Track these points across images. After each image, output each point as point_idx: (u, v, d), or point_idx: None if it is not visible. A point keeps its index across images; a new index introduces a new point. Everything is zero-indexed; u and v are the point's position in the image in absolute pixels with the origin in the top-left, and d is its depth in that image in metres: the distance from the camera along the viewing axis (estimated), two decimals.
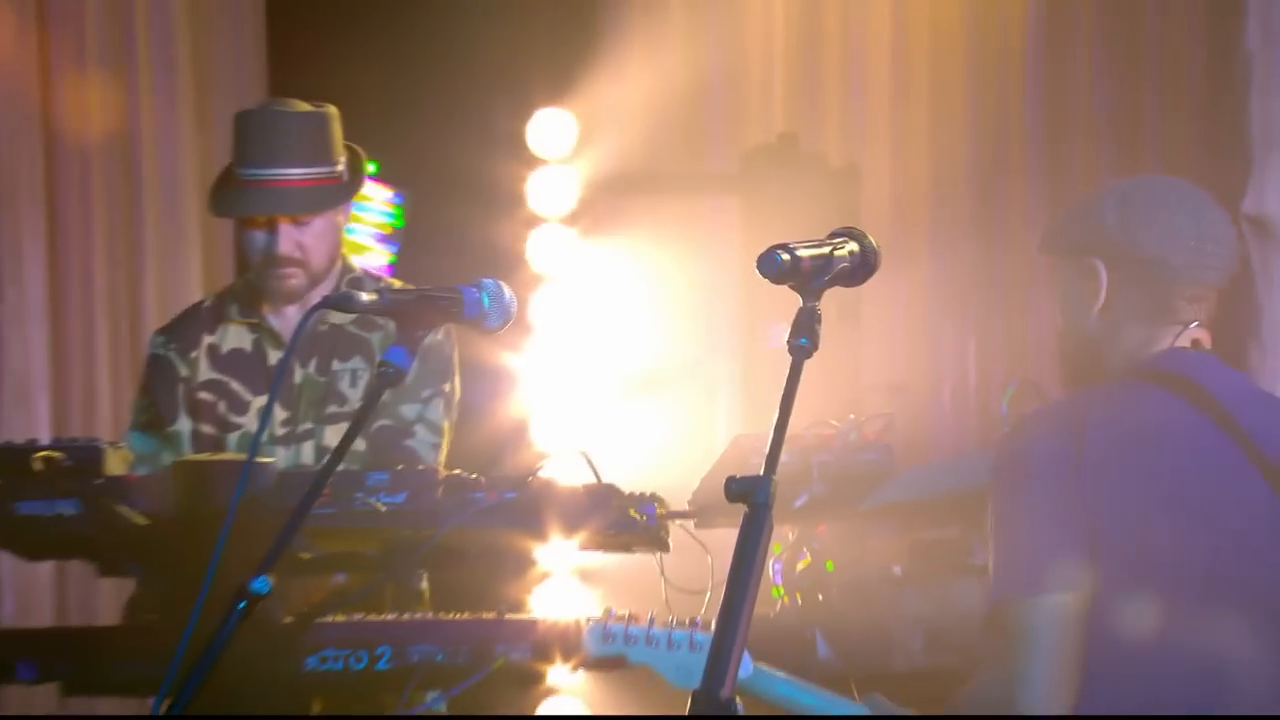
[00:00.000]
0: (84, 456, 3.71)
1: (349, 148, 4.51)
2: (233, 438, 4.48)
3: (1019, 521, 3.17)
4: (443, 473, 3.71)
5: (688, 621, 3.53)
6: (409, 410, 4.45)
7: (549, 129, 6.91)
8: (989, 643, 3.23)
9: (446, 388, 4.53)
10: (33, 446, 3.70)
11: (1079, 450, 3.12)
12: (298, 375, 4.48)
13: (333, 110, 4.49)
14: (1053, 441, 3.16)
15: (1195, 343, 3.30)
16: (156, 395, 4.55)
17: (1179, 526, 3.14)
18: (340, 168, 4.48)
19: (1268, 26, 5.72)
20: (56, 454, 3.68)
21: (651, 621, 3.52)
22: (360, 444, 4.39)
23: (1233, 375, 3.34)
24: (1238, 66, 5.76)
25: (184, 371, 4.54)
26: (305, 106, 4.47)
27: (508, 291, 3.43)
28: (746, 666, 3.45)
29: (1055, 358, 3.47)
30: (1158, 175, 3.44)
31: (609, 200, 6.86)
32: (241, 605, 2.86)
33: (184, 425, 4.52)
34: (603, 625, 3.54)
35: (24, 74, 5.96)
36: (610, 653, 3.53)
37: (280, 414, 4.47)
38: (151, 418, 4.55)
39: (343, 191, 4.49)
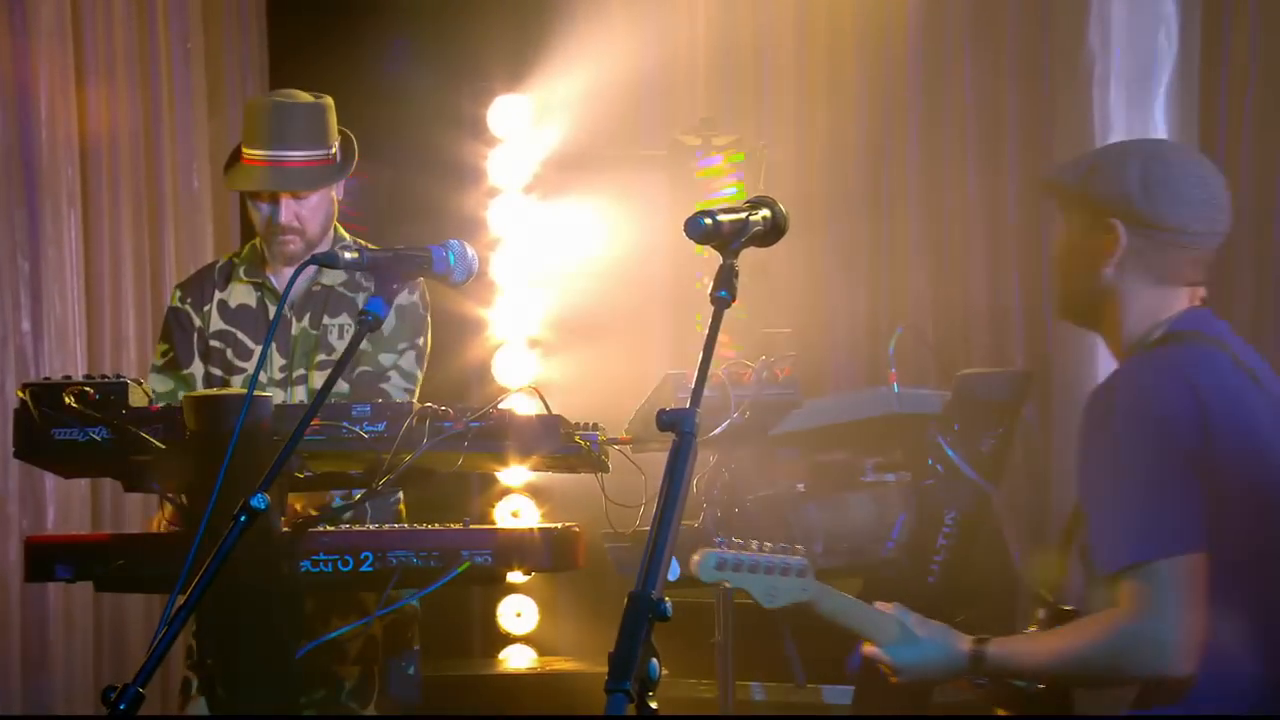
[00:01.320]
0: (112, 391, 3.67)
1: (343, 133, 4.47)
2: (237, 379, 4.43)
3: (1151, 482, 2.93)
4: (416, 405, 3.67)
5: (778, 548, 3.40)
6: (385, 359, 4.43)
7: (507, 113, 6.87)
8: (1107, 596, 2.99)
9: (420, 341, 4.48)
10: (68, 383, 3.67)
11: (1202, 412, 2.92)
12: (294, 328, 4.45)
13: (329, 101, 4.46)
14: (1176, 405, 2.94)
15: (1203, 300, 3.13)
16: (174, 342, 4.51)
17: (1264, 478, 2.98)
18: (334, 150, 4.44)
19: (1104, 32, 5.72)
20: (88, 389, 3.64)
21: (755, 549, 3.39)
22: (344, 387, 4.36)
23: (1229, 328, 3.16)
24: (1080, 65, 5.76)
25: (198, 322, 4.50)
26: (307, 97, 4.43)
27: (471, 250, 3.41)
28: (675, 570, 3.39)
29: (1051, 286, 3.24)
30: (1166, 142, 3.17)
31: (557, 175, 6.83)
32: (243, 518, 2.81)
33: (197, 368, 4.48)
34: (719, 554, 3.39)
35: (60, 71, 5.86)
36: (717, 579, 3.39)
37: (278, 360, 4.43)
38: (169, 361, 4.51)
39: (336, 171, 4.44)
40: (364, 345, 4.38)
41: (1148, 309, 3.10)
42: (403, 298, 4.42)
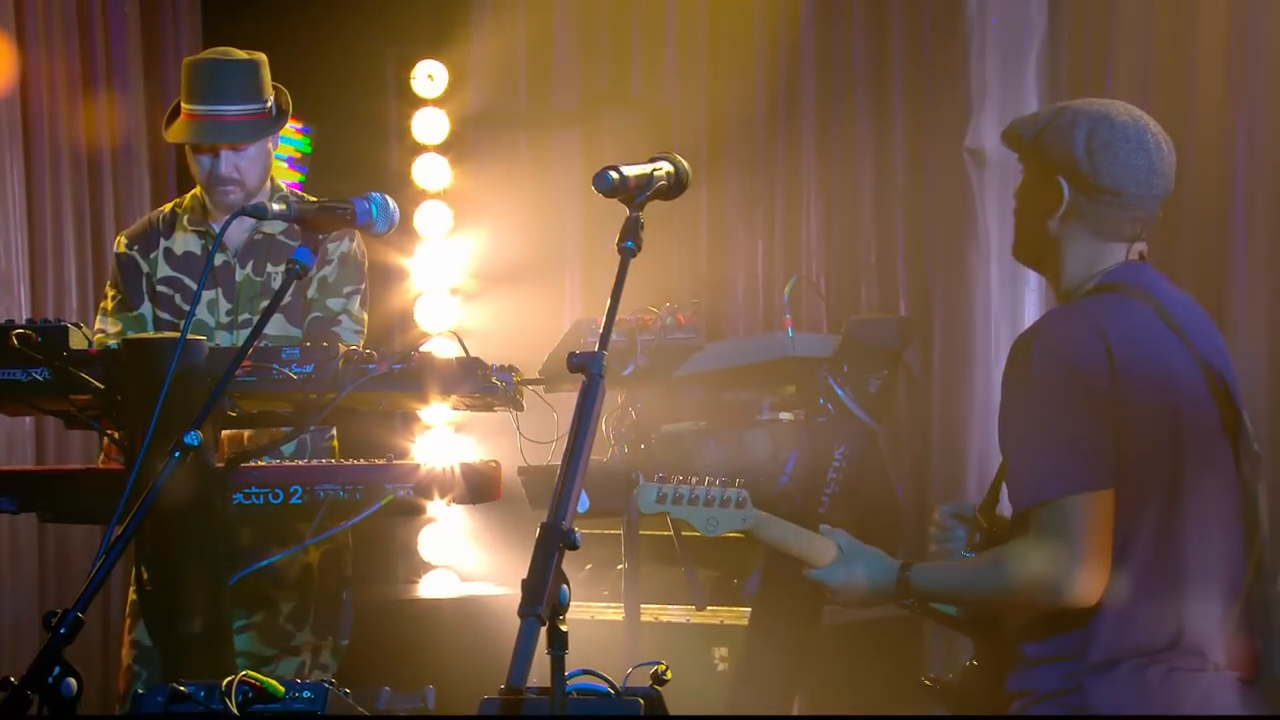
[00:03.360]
0: (53, 334, 3.62)
1: (276, 88, 4.43)
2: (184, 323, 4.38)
3: (1060, 422, 2.93)
4: (342, 348, 3.63)
5: (717, 482, 3.39)
6: (335, 303, 4.41)
7: (429, 75, 6.80)
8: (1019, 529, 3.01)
9: (363, 287, 4.48)
10: (11, 326, 3.61)
11: (1110, 357, 2.92)
12: (239, 275, 4.42)
13: (263, 57, 4.41)
14: (1086, 350, 2.94)
15: (1141, 255, 3.12)
16: (123, 286, 4.45)
17: (1173, 423, 2.98)
18: (270, 104, 4.40)
19: (981, 3, 5.74)
20: (31, 332, 3.59)
21: (694, 483, 3.38)
22: (296, 332, 4.38)
23: (1164, 281, 3.14)
24: (959, 34, 5.78)
25: (145, 268, 4.45)
26: (242, 54, 4.39)
27: (392, 203, 3.39)
28: (584, 502, 3.38)
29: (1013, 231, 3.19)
30: (1117, 106, 3.13)
31: (477, 132, 6.78)
32: (177, 454, 2.77)
33: (147, 309, 4.43)
34: (658, 487, 3.37)
35: (2, 36, 5.74)
36: (658, 510, 3.36)
37: (224, 305, 4.40)
38: (120, 303, 4.46)
39: (272, 124, 4.40)
40: (312, 293, 4.38)
41: (1085, 260, 3.11)
42: (344, 245, 4.43)
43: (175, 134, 4.40)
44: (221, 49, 4.41)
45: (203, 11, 6.61)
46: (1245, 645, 3.04)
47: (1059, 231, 3.11)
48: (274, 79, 4.43)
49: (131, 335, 4.30)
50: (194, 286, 4.40)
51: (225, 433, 3.80)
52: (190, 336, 3.46)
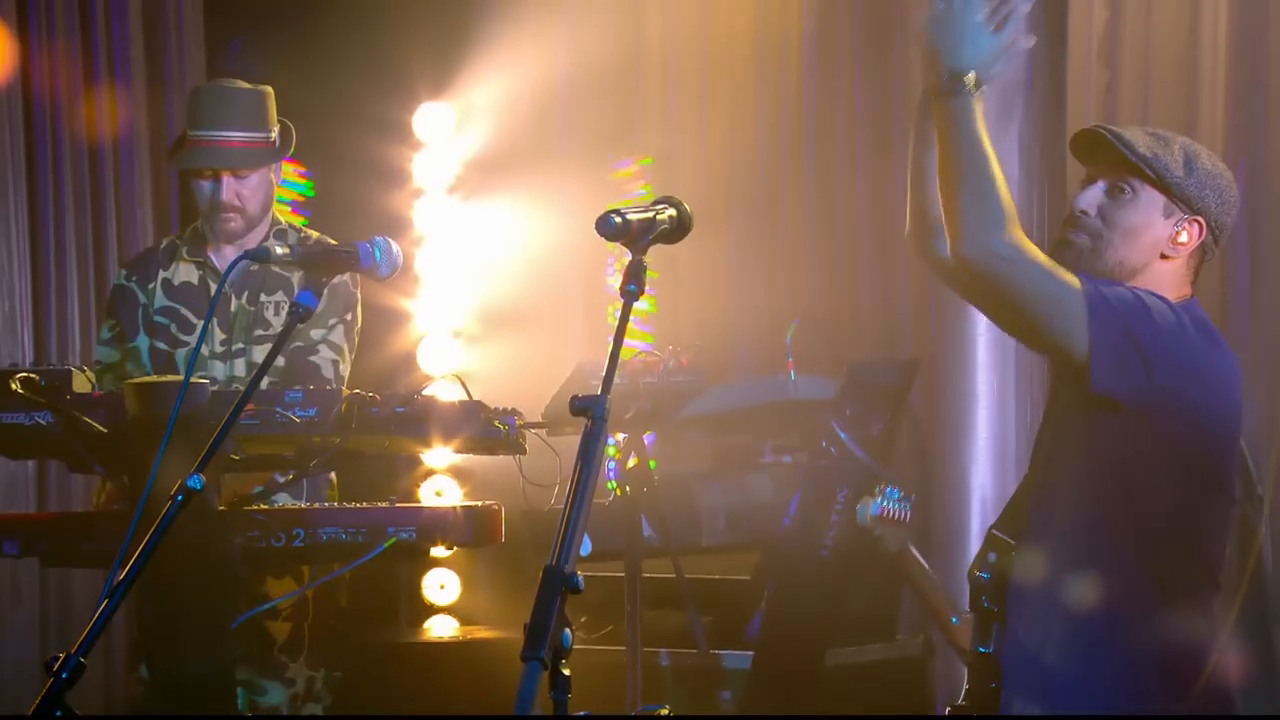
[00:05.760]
0: (56, 378, 3.65)
1: (281, 121, 4.48)
2: (181, 353, 4.42)
3: (1141, 313, 2.94)
4: (345, 391, 3.65)
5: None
6: (315, 334, 4.41)
7: (430, 118, 6.83)
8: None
9: (349, 317, 4.46)
10: (15, 369, 3.65)
11: (1195, 351, 2.99)
12: (233, 305, 4.44)
13: (268, 89, 4.47)
14: (1189, 328, 2.99)
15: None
16: (120, 317, 4.49)
17: (1209, 446, 3.04)
18: (274, 135, 4.45)
19: None
20: (34, 375, 3.62)
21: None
22: (279, 361, 4.34)
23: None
24: None
25: (143, 299, 4.48)
26: (247, 85, 4.45)
27: (395, 246, 3.40)
28: (586, 545, 3.37)
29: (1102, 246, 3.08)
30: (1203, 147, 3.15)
31: (479, 176, 6.79)
32: (179, 498, 2.78)
33: (142, 341, 4.46)
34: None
35: (5, 63, 5.77)
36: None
37: (219, 335, 4.42)
38: (116, 335, 4.50)
39: (274, 153, 4.45)
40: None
41: (1171, 287, 3.08)
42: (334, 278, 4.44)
43: (178, 159, 4.48)
44: (228, 79, 4.50)
45: (206, 57, 6.62)
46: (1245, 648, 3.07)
47: (1164, 264, 3.09)
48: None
49: (130, 367, 4.38)
50: (190, 317, 4.43)
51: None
52: (193, 380, 3.48)
